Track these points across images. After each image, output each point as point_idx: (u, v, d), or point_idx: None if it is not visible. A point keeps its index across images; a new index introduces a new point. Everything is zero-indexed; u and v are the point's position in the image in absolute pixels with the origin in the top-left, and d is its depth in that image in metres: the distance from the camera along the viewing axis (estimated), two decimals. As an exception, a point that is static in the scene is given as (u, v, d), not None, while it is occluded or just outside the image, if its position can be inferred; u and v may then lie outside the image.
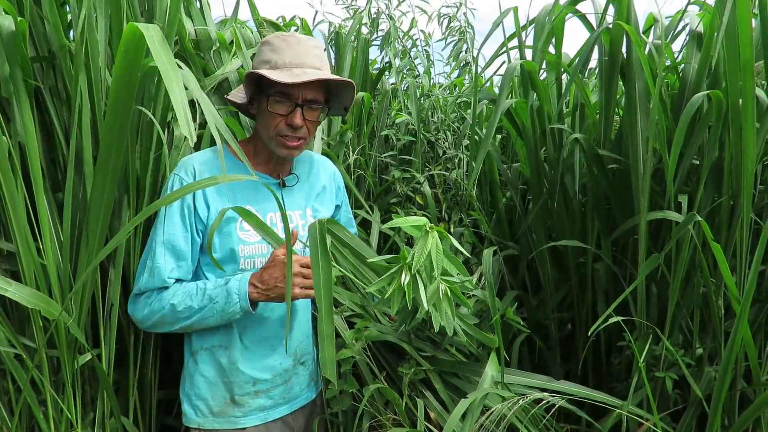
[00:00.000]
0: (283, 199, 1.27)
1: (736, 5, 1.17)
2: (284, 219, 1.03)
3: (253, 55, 1.66)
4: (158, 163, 1.36)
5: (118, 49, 0.81)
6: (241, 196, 1.21)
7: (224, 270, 1.18)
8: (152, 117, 1.02)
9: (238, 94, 1.25)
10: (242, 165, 1.22)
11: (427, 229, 1.08)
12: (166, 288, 1.15)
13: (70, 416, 1.17)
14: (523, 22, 1.74)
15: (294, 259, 1.07)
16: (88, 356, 1.19)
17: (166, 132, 1.37)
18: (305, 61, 1.16)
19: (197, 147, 1.45)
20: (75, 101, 1.02)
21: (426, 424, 1.18)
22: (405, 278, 1.08)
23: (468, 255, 1.19)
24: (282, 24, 2.10)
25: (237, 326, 1.21)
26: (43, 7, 1.13)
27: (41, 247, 1.11)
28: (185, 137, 1.32)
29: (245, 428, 1.22)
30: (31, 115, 1.06)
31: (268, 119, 1.17)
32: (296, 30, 2.30)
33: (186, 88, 1.37)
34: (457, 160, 2.36)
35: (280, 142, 1.18)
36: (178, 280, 1.17)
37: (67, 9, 1.27)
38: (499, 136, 2.51)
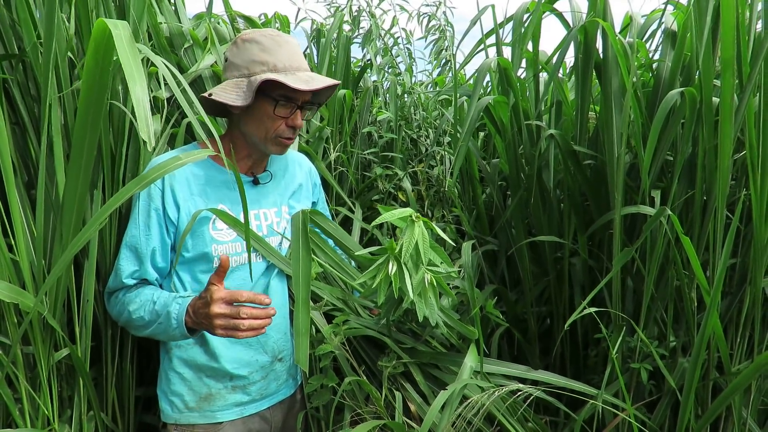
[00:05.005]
0: (256, 196, 1.26)
1: (721, 5, 1.19)
2: (248, 237, 1.00)
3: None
4: (137, 158, 1.35)
5: (88, 45, 0.81)
6: (214, 195, 1.20)
7: (199, 269, 1.18)
8: (126, 111, 1.01)
9: (224, 95, 1.17)
10: (215, 164, 1.22)
11: (413, 218, 1.09)
12: (129, 288, 1.16)
13: (46, 412, 1.16)
14: (501, 20, 1.76)
15: (220, 296, 1.02)
16: (64, 352, 1.18)
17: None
18: (301, 64, 1.19)
19: (171, 144, 1.45)
20: (45, 97, 1.00)
21: (405, 419, 1.19)
22: (392, 268, 1.08)
23: (453, 243, 1.21)
24: (262, 21, 2.10)
25: None
26: (12, 4, 1.12)
27: (14, 243, 1.10)
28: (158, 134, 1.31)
29: (221, 422, 1.22)
30: (1, 111, 1.05)
31: (267, 122, 1.17)
32: (278, 28, 2.30)
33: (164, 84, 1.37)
34: (438, 157, 2.37)
35: (279, 142, 1.20)
36: (143, 280, 1.17)
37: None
38: (482, 134, 2.53)
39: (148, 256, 1.15)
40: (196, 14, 1.76)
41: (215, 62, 1.60)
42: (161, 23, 1.54)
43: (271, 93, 1.14)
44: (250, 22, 1.82)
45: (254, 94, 1.11)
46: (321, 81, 1.16)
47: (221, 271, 1.04)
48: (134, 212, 1.16)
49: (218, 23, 1.73)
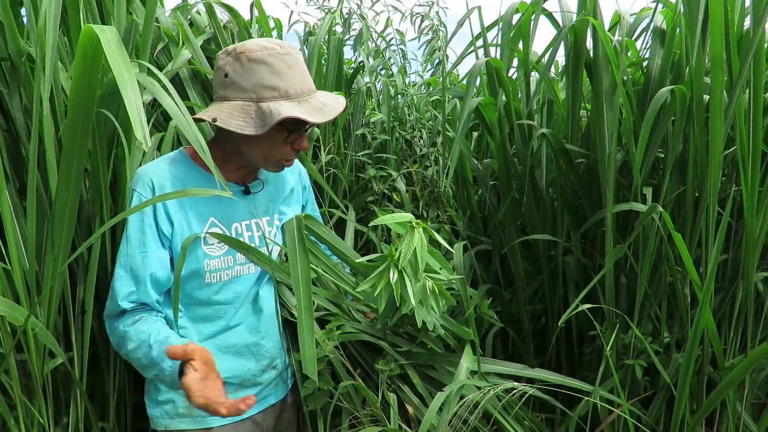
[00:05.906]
0: (248, 206, 1.24)
1: (709, 3, 1.20)
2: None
3: (205, 42, 1.60)
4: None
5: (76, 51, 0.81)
6: (205, 207, 1.16)
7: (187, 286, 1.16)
8: (113, 119, 1.01)
9: (230, 121, 1.08)
10: (205, 172, 1.18)
11: (413, 225, 1.09)
12: (128, 314, 1.10)
13: (41, 420, 1.16)
14: (495, 19, 1.77)
15: (199, 404, 0.91)
16: (58, 360, 1.17)
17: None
18: (311, 85, 1.15)
19: (159, 148, 1.44)
20: (34, 105, 1.00)
21: (401, 423, 1.19)
22: (393, 276, 1.08)
23: (450, 248, 1.20)
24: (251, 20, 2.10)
25: (201, 336, 1.19)
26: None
27: (4, 252, 1.09)
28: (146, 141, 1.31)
29: (212, 428, 1.20)
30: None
31: (275, 149, 1.14)
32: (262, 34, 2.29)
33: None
34: (432, 158, 2.38)
35: (281, 164, 1.19)
36: (143, 305, 1.11)
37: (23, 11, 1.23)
38: (476, 134, 2.54)
39: (147, 275, 1.10)
40: (175, 6, 1.71)
41: (191, 58, 1.58)
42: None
43: (283, 122, 1.09)
44: (230, 11, 1.77)
45: (270, 126, 1.05)
46: (334, 108, 1.13)
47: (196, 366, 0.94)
48: (128, 230, 1.11)
49: (198, 13, 1.70)
